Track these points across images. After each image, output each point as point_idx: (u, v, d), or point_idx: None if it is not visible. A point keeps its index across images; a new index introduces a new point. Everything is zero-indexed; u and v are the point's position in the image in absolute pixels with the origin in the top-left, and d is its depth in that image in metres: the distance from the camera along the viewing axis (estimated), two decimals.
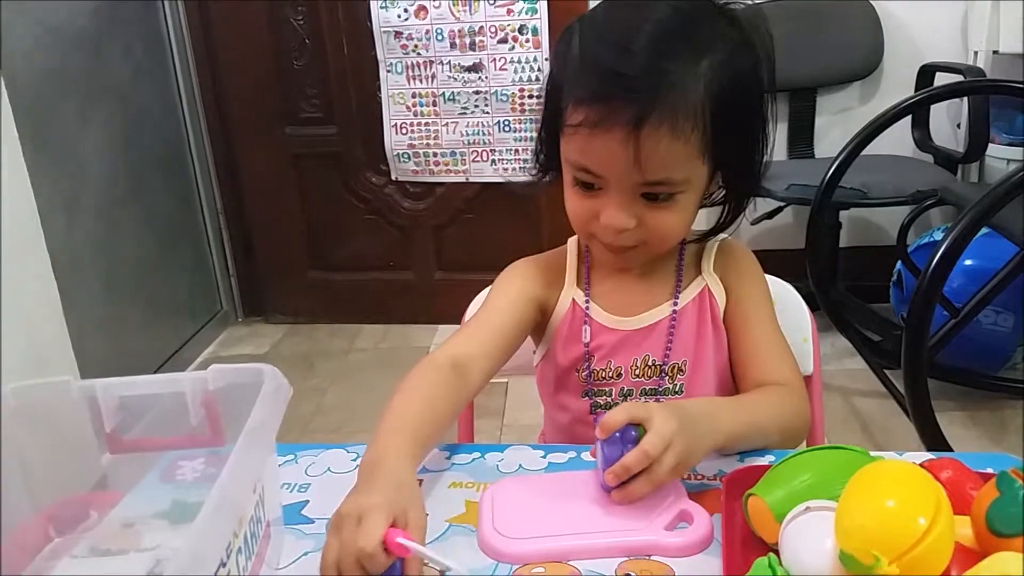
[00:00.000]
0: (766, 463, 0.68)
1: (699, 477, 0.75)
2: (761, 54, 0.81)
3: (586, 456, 0.79)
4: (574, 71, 0.79)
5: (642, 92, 0.74)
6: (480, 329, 0.88)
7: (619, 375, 0.90)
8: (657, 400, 0.89)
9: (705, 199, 0.86)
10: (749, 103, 0.81)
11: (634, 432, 0.68)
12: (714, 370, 0.90)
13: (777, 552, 0.57)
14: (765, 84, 0.81)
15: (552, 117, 0.83)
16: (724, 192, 0.87)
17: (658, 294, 0.91)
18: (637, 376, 0.90)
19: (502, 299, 0.91)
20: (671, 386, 0.89)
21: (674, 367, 0.89)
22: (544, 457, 0.80)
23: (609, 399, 0.91)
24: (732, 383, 0.91)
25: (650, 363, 0.89)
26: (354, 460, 0.81)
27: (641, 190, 0.79)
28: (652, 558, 0.64)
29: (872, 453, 0.65)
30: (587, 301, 0.92)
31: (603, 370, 0.91)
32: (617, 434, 0.68)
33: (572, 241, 0.96)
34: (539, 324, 0.94)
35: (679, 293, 0.90)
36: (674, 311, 0.89)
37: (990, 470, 0.65)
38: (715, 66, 0.77)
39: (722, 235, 0.92)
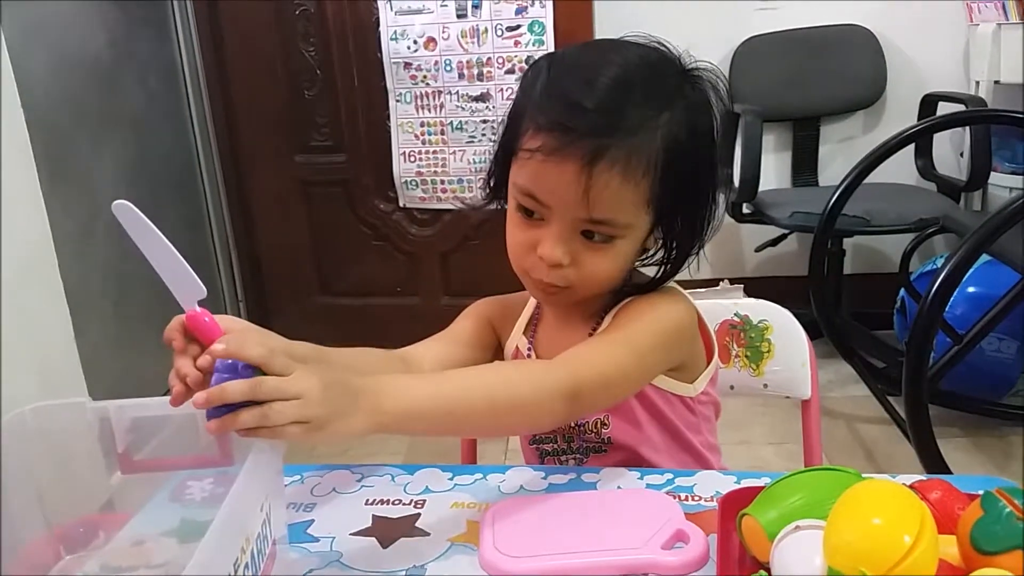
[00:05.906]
0: (761, 484, 0.70)
1: (696, 499, 0.77)
2: (717, 117, 0.82)
3: (587, 478, 0.81)
4: (537, 99, 0.81)
5: (601, 130, 0.75)
6: (440, 338, 0.96)
7: None
8: (593, 444, 0.90)
9: (641, 256, 0.87)
10: (701, 164, 0.82)
11: (252, 370, 0.60)
12: (641, 410, 0.89)
13: (769, 570, 0.58)
14: (718, 147, 0.83)
15: (508, 143, 0.84)
16: (662, 250, 0.86)
17: None
18: (574, 423, 0.90)
19: (464, 320, 0.99)
20: (594, 432, 0.90)
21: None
22: (545, 478, 0.81)
23: (555, 445, 0.93)
24: (670, 419, 0.90)
25: None
26: (359, 480, 0.83)
27: (582, 227, 0.79)
28: None
29: (865, 475, 0.66)
30: (529, 350, 0.94)
31: None
32: (240, 364, 0.61)
33: None
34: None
35: None
36: None
37: (980, 492, 0.66)
38: (673, 121, 0.79)
39: (670, 284, 0.90)
